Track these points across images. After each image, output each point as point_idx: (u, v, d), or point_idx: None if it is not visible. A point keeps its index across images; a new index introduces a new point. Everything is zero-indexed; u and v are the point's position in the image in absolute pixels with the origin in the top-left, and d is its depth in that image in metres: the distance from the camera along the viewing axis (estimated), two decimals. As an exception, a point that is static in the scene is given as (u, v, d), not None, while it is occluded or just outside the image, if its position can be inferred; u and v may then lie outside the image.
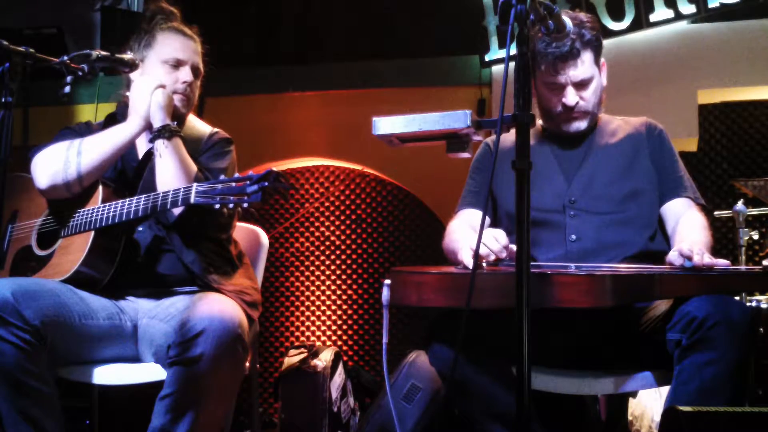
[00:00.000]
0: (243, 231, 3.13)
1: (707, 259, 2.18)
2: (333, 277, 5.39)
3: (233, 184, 2.30)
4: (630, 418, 3.16)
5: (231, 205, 2.29)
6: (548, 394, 2.46)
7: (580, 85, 2.64)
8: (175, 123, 2.69)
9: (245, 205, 2.27)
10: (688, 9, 4.89)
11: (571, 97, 2.63)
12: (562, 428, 2.76)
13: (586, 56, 2.63)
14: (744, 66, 4.93)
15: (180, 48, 2.83)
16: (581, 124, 2.68)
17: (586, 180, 2.64)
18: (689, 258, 2.20)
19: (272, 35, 5.53)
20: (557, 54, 2.58)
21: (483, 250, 2.33)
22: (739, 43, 4.94)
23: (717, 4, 4.84)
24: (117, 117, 2.87)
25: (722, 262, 2.20)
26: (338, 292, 5.38)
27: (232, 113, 4.95)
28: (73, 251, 2.67)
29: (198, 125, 2.93)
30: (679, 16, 4.92)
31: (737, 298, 3.37)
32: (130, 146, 2.72)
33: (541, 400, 2.45)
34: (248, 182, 2.27)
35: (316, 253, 5.43)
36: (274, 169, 2.27)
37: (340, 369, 4.31)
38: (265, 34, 5.53)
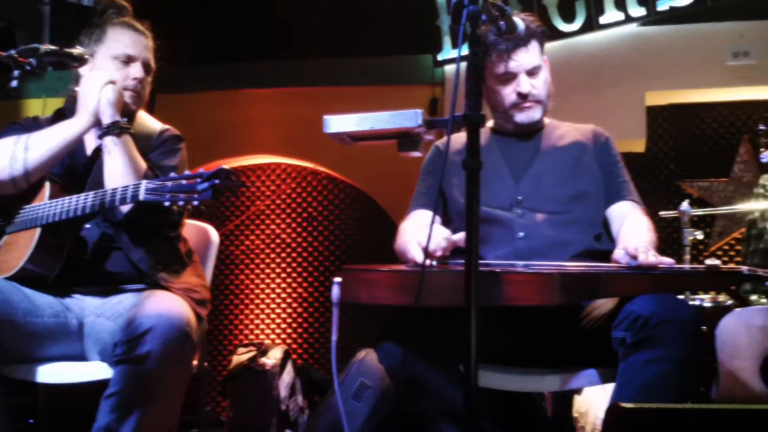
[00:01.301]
0: (192, 228, 3.11)
1: (652, 257, 2.22)
2: (283, 275, 5.38)
3: (183, 181, 2.28)
4: (575, 414, 3.20)
5: (181, 203, 2.27)
6: (499, 392, 2.48)
7: (531, 73, 2.69)
8: (125, 120, 2.66)
9: (195, 202, 2.26)
10: (638, 12, 4.96)
11: (524, 84, 2.67)
12: (510, 425, 2.79)
13: (534, 45, 2.69)
14: (691, 68, 5.02)
15: (131, 44, 2.79)
16: (535, 114, 2.72)
17: (534, 180, 2.68)
18: (634, 256, 2.23)
19: (225, 32, 5.49)
20: (508, 42, 2.62)
21: (431, 247, 2.34)
22: (687, 45, 5.02)
23: (666, 7, 4.92)
24: (66, 113, 2.83)
25: (667, 261, 2.24)
26: (288, 290, 5.37)
27: (183, 110, 4.91)
28: (19, 248, 2.63)
29: (148, 122, 2.91)
30: (629, 19, 4.99)
31: (681, 297, 3.43)
32: (78, 142, 2.69)
33: (492, 397, 2.48)
34: (198, 180, 2.25)
35: (267, 250, 5.41)
36: (225, 166, 2.26)
37: (289, 367, 4.30)
38: (218, 30, 5.49)
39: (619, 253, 2.32)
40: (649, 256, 2.22)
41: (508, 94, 2.70)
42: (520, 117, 2.72)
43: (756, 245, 4.04)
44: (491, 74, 2.70)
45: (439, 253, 2.36)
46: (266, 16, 5.48)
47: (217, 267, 3.14)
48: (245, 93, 5.45)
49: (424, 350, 2.36)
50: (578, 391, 2.97)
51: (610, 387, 2.36)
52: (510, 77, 2.68)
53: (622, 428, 1.66)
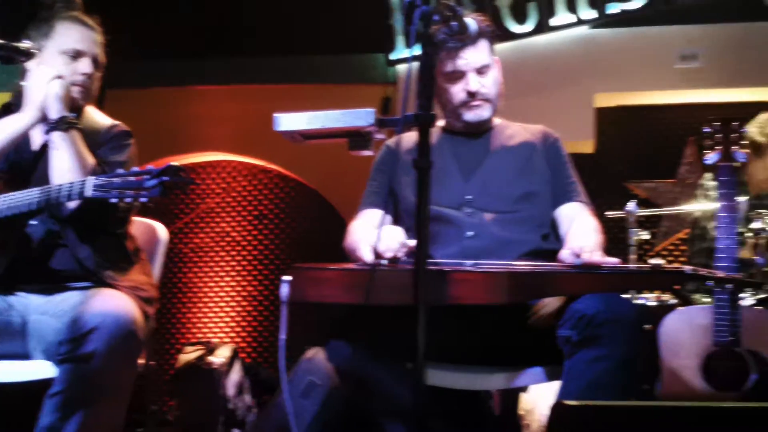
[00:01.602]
0: (141, 226, 3.08)
1: (597, 257, 2.25)
2: (233, 273, 5.35)
3: (131, 178, 2.26)
4: (521, 412, 3.23)
5: (128, 200, 2.25)
6: (445, 390, 2.49)
7: (480, 71, 2.70)
8: (73, 115, 2.63)
9: (143, 199, 2.24)
10: (589, 14, 5.01)
11: (473, 82, 2.68)
12: (458, 423, 2.81)
13: (483, 44, 2.71)
14: (640, 71, 5.10)
15: (80, 38, 2.76)
16: (484, 112, 2.73)
17: (483, 179, 2.70)
18: (579, 256, 2.26)
19: (177, 27, 5.44)
20: (457, 42, 2.64)
21: (381, 248, 2.35)
22: (636, 48, 5.10)
23: (617, 10, 4.98)
24: (12, 107, 2.78)
25: (612, 261, 2.27)
26: (237, 289, 5.34)
27: (133, 106, 4.84)
28: (-39, 244, 2.59)
29: (97, 117, 2.87)
30: (580, 21, 5.05)
31: (626, 296, 3.48)
32: (24, 137, 2.65)
33: (440, 395, 2.49)
34: (147, 176, 2.24)
35: (216, 248, 5.38)
36: (174, 163, 2.25)
37: (237, 366, 4.28)
38: (170, 26, 5.43)
39: (565, 253, 2.35)
40: (593, 255, 2.25)
41: (457, 92, 2.72)
42: (469, 115, 2.73)
43: (699, 245, 4.10)
44: (440, 73, 2.71)
45: (389, 255, 2.36)
46: (219, 12, 5.44)
47: (165, 265, 3.12)
48: (196, 90, 5.41)
49: (373, 349, 2.37)
50: (525, 389, 3.00)
51: (556, 385, 2.39)
52: (459, 75, 2.70)
53: (565, 425, 1.68)
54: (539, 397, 3.21)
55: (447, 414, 2.67)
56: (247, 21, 5.39)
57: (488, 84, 2.72)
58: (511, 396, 3.00)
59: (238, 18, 5.41)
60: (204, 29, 5.41)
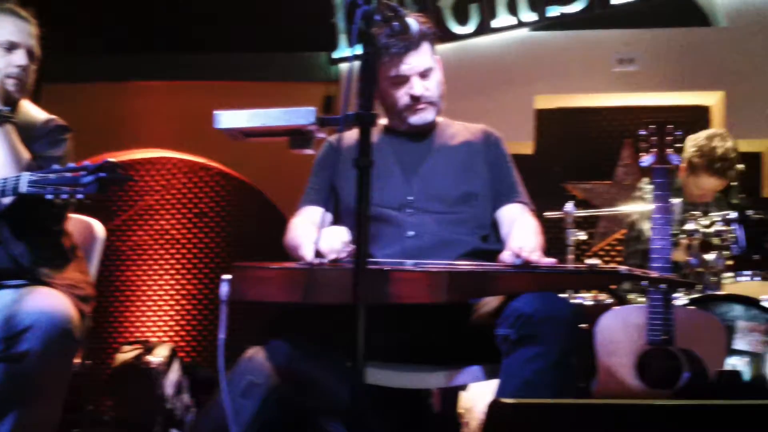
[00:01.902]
0: (77, 223, 3.03)
1: (535, 257, 2.28)
2: (172, 272, 5.29)
3: (67, 174, 2.23)
4: (460, 410, 3.26)
5: (64, 196, 2.22)
6: (385, 389, 2.50)
7: (424, 75, 2.70)
8: (8, 108, 2.58)
9: (80, 196, 2.21)
10: (530, 17, 5.08)
11: (417, 87, 2.69)
12: (398, 422, 2.82)
13: (425, 47, 2.71)
14: (579, 74, 5.18)
15: (14, 30, 2.71)
16: (428, 115, 2.74)
17: (424, 179, 2.70)
18: (519, 256, 2.29)
19: (117, 21, 5.36)
20: (400, 45, 2.64)
21: (324, 248, 2.35)
22: (575, 51, 5.17)
23: (556, 14, 5.05)
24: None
25: (549, 261, 2.30)
26: (177, 287, 5.29)
27: (71, 101, 4.77)
28: None
29: (33, 111, 2.82)
30: (520, 24, 5.11)
31: (564, 295, 3.53)
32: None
33: (379, 394, 2.50)
34: (84, 172, 2.21)
35: (155, 246, 5.32)
36: (112, 159, 2.22)
37: (176, 365, 4.24)
38: (110, 19, 5.35)
39: (505, 254, 2.37)
40: (532, 256, 2.28)
41: (401, 96, 2.71)
42: (414, 119, 2.74)
43: (635, 246, 4.18)
44: (384, 77, 2.70)
45: (332, 255, 2.36)
46: (160, 6, 5.38)
47: (102, 263, 3.08)
48: (136, 85, 5.34)
49: (312, 348, 2.37)
50: (464, 388, 3.02)
51: (495, 383, 2.41)
52: (402, 80, 2.69)
53: (501, 423, 1.70)
54: (479, 396, 3.24)
55: (387, 413, 2.68)
56: (189, 16, 5.34)
57: (432, 87, 2.73)
58: (451, 394, 3.01)
59: (179, 13, 5.35)
60: (145, 24, 5.35)
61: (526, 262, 2.26)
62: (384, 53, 2.65)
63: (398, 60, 2.66)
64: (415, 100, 2.70)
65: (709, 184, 4.05)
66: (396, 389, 2.52)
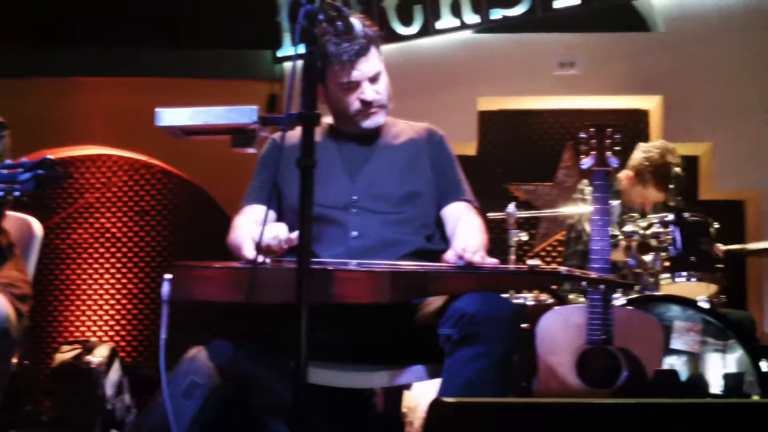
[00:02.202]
0: (14, 220, 2.97)
1: (479, 258, 2.30)
2: (112, 271, 5.22)
3: (4, 171, 2.19)
4: (404, 410, 3.27)
5: (0, 193, 2.18)
6: (328, 388, 2.50)
7: (373, 79, 2.70)
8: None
9: (16, 193, 2.18)
10: (473, 19, 5.11)
11: (369, 92, 2.69)
12: (341, 422, 2.82)
13: (373, 51, 2.71)
14: (522, 76, 5.23)
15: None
16: (380, 119, 2.74)
17: (368, 179, 2.71)
18: (461, 257, 2.31)
19: (57, 15, 5.27)
20: (350, 52, 2.64)
21: (267, 238, 2.34)
22: (518, 54, 5.23)
23: (499, 16, 5.09)
24: None
25: (492, 261, 2.33)
26: (117, 286, 5.22)
27: (9, 97, 4.68)
28: None
29: (-32, 107, 2.76)
30: (464, 26, 5.14)
31: (505, 295, 3.56)
32: None
33: (323, 393, 2.50)
34: (20, 169, 2.17)
35: (95, 245, 5.24)
36: (50, 156, 2.19)
37: (117, 365, 4.19)
38: (49, 13, 5.25)
39: (449, 254, 2.39)
40: (476, 256, 2.30)
41: (352, 102, 2.71)
42: (367, 123, 2.74)
43: (575, 247, 4.24)
44: (334, 83, 2.70)
45: (274, 243, 2.35)
46: (102, 2, 5.30)
47: (40, 261, 3.02)
48: (77, 81, 5.26)
49: (255, 347, 2.36)
50: (408, 387, 3.04)
51: (438, 382, 2.42)
52: (353, 86, 2.69)
53: (443, 423, 1.71)
54: (422, 395, 3.25)
55: (330, 412, 2.67)
56: (132, 11, 5.28)
57: (381, 90, 2.73)
58: (395, 394, 3.02)
59: (121, 8, 5.28)
60: (87, 18, 5.26)
61: (469, 263, 2.28)
62: (334, 60, 2.64)
63: (349, 66, 2.66)
64: (367, 105, 2.70)
65: (654, 196, 4.14)
66: (339, 389, 2.52)
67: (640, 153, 4.14)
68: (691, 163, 5.28)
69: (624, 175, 4.23)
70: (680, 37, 5.21)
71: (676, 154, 4.09)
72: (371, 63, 2.69)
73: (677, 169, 3.93)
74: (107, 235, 5.25)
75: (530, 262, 2.30)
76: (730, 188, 5.22)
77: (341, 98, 2.71)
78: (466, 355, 2.28)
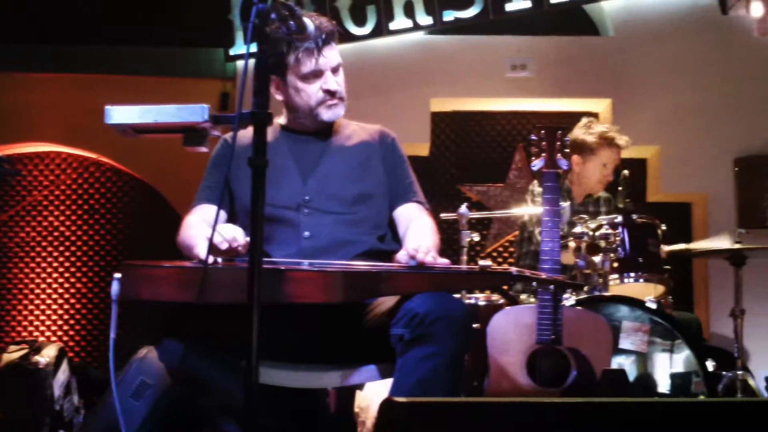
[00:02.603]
0: (-40, 218, 2.93)
1: (430, 258, 2.31)
2: (61, 270, 5.15)
3: (-50, 167, 2.15)
4: (356, 410, 3.27)
5: (-54, 191, 2.14)
6: (280, 388, 2.49)
7: (336, 70, 2.71)
8: None
9: (-38, 191, 2.14)
10: (426, 20, 5.13)
11: (331, 81, 2.68)
12: (293, 422, 2.81)
13: (334, 45, 2.71)
14: (474, 78, 5.26)
15: None
16: (340, 111, 2.74)
17: (320, 180, 2.71)
18: (413, 257, 2.32)
19: (5, 9, 5.18)
20: (317, 40, 2.63)
21: (217, 239, 2.33)
22: (470, 56, 5.26)
23: (452, 18, 5.12)
24: None
25: (443, 262, 2.34)
26: (66, 286, 5.15)
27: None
28: None
29: None
30: (417, 27, 5.15)
31: (457, 295, 3.58)
32: None
33: (274, 393, 2.49)
34: (-33, 167, 2.13)
35: (43, 243, 5.17)
36: (-2, 153, 2.15)
37: (65, 366, 4.14)
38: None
39: (401, 254, 2.40)
40: (427, 256, 2.31)
41: (315, 92, 2.70)
42: (328, 114, 2.72)
43: (527, 248, 4.28)
44: (296, 73, 2.68)
45: (224, 246, 2.34)
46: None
47: (-13, 260, 2.98)
48: (24, 76, 5.17)
49: (206, 347, 2.34)
50: (360, 387, 3.04)
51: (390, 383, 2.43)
52: (318, 75, 2.68)
53: (394, 422, 1.71)
54: (375, 395, 3.26)
55: (282, 412, 2.67)
56: (81, 7, 5.21)
57: (341, 83, 2.74)
58: (347, 394, 3.02)
59: (71, 3, 5.21)
60: (33, 14, 5.18)
61: (420, 264, 2.29)
62: (299, 47, 2.64)
63: (315, 53, 2.65)
64: (330, 94, 2.70)
65: (607, 159, 4.20)
66: (291, 389, 2.51)
67: (575, 131, 4.21)
68: (639, 165, 5.37)
69: (573, 161, 4.25)
70: (629, 42, 5.29)
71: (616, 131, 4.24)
72: (334, 53, 2.70)
73: (625, 171, 3.99)
74: (56, 233, 5.18)
75: (482, 262, 2.32)
76: (678, 190, 5.31)
77: (303, 88, 2.70)
78: (417, 355, 2.29)
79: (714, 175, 5.21)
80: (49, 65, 5.18)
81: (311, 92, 2.70)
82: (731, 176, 5.20)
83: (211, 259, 2.29)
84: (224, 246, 2.33)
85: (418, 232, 2.64)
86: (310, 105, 2.71)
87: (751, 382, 3.96)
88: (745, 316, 4.06)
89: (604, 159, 4.22)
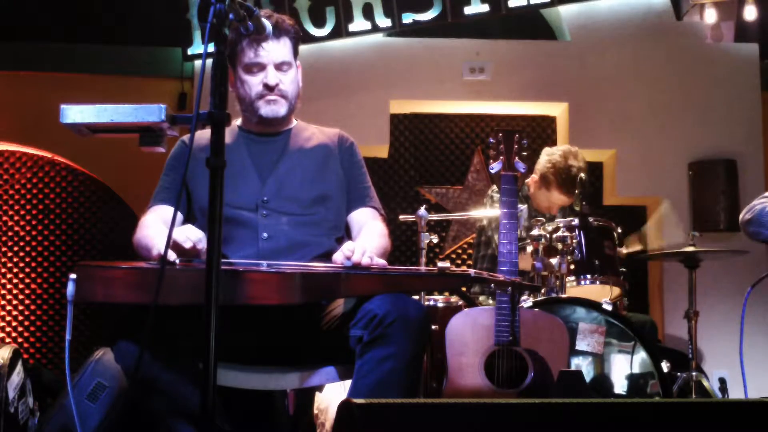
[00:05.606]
0: None
1: (366, 259, 2.32)
2: (15, 270, 5.08)
3: None
4: (316, 411, 3.27)
5: None
6: (238, 390, 2.48)
7: (280, 67, 2.70)
8: None
9: None
10: (384, 22, 5.14)
11: (272, 76, 2.68)
12: (250, 424, 2.80)
13: (285, 42, 2.70)
14: (432, 81, 5.28)
15: None
16: (280, 109, 2.72)
17: (278, 181, 2.70)
18: (348, 257, 2.33)
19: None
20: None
21: (180, 237, 2.32)
22: (429, 58, 5.28)
23: (410, 20, 5.14)
24: None
25: (380, 263, 2.35)
26: (20, 286, 5.08)
27: None
28: None
29: None
30: (375, 29, 5.16)
31: (416, 297, 3.59)
32: None
33: (231, 396, 2.48)
34: None
35: (-3, 243, 5.09)
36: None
37: (19, 367, 4.07)
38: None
39: (337, 255, 2.41)
40: (363, 257, 2.32)
41: (255, 84, 2.70)
42: (265, 110, 2.72)
43: (485, 251, 4.31)
44: (240, 63, 2.69)
45: (188, 245, 2.32)
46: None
47: (-62, 260, 2.92)
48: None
49: (162, 349, 2.32)
50: (320, 389, 3.04)
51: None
52: (259, 68, 2.68)
53: (352, 423, 1.72)
54: (334, 396, 3.26)
55: (240, 414, 2.66)
56: (34, 4, 5.14)
57: (287, 81, 2.72)
58: (306, 395, 3.02)
59: (25, 0, 5.14)
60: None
61: (356, 264, 2.30)
62: (242, 39, 2.63)
63: (256, 46, 2.65)
64: (269, 89, 2.69)
65: (558, 200, 4.23)
66: (249, 391, 2.50)
67: (544, 157, 4.22)
68: (596, 168, 5.43)
69: (531, 180, 4.31)
70: (585, 46, 5.35)
71: (580, 157, 4.19)
72: (280, 49, 2.69)
73: (582, 175, 4.02)
74: (10, 233, 5.10)
75: (440, 264, 2.33)
76: (633, 194, 5.37)
77: (245, 80, 2.70)
78: (376, 356, 2.29)
79: (669, 179, 5.28)
80: (2, 63, 5.10)
81: (252, 84, 2.70)
82: (685, 180, 5.28)
83: (171, 257, 2.28)
84: (188, 245, 2.32)
85: (367, 235, 2.66)
86: (251, 97, 2.71)
87: (705, 382, 4.02)
88: (698, 318, 4.12)
89: (555, 199, 4.25)
